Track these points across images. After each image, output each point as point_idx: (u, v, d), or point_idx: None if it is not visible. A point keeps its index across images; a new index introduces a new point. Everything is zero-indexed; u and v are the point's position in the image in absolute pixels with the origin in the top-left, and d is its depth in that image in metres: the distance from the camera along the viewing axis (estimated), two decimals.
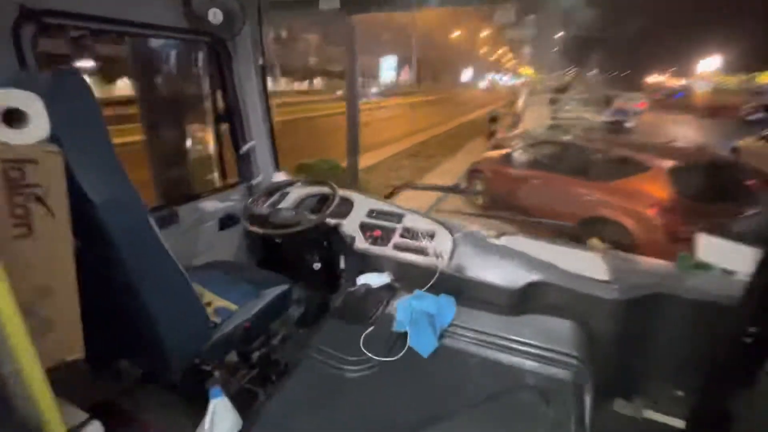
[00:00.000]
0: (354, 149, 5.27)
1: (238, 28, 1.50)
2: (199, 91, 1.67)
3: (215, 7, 1.33)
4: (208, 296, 1.26)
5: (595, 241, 4.16)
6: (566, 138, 5.56)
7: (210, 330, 1.10)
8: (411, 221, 1.56)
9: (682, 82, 27.08)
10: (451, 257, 1.39)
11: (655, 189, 3.72)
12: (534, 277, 1.28)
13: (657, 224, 3.61)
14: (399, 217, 1.58)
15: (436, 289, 1.33)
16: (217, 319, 1.18)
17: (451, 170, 8.29)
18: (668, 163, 3.78)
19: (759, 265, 1.02)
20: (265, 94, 1.81)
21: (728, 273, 1.35)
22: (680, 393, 1.33)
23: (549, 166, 5.07)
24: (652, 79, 30.84)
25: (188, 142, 1.69)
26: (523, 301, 1.28)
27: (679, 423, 1.38)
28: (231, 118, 1.71)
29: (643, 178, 3.86)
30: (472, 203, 5.97)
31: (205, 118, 1.75)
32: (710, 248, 1.42)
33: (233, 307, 1.23)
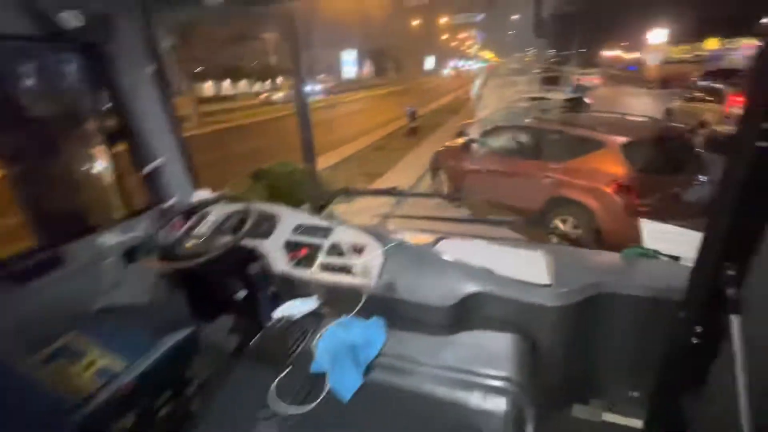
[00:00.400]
0: (309, 150, 5.05)
1: (112, 30, 1.28)
2: (84, 107, 1.44)
3: (71, 7, 1.12)
4: (91, 354, 1.07)
5: (558, 223, 4.16)
6: (524, 120, 5.51)
7: (70, 410, 0.91)
8: (339, 235, 1.40)
9: (636, 55, 27.92)
10: (381, 274, 1.25)
11: (610, 166, 3.70)
12: (470, 288, 1.15)
13: (617, 201, 3.60)
14: (327, 232, 1.42)
15: (366, 312, 1.19)
16: (98, 382, 0.99)
17: (415, 163, 8.18)
18: (622, 139, 3.77)
19: (697, 261, 0.92)
20: (169, 104, 1.60)
21: (674, 259, 1.27)
22: (636, 394, 1.25)
23: (509, 151, 5.03)
24: (607, 54, 31.68)
25: (78, 168, 1.47)
26: (460, 316, 1.15)
27: (638, 423, 1.30)
28: (127, 136, 1.50)
29: (598, 155, 3.84)
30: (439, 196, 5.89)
31: (98, 137, 1.53)
32: (655, 234, 1.34)
33: (121, 364, 1.04)
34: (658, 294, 1.11)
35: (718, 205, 0.88)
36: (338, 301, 1.25)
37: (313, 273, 1.31)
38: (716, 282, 0.89)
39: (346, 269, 1.28)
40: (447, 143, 6.61)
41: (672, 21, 24.90)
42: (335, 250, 1.35)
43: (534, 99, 9.48)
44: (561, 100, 9.26)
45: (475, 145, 5.51)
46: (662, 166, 3.72)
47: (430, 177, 6.48)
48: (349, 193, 2.64)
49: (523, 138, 4.97)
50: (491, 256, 1.29)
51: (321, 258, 1.34)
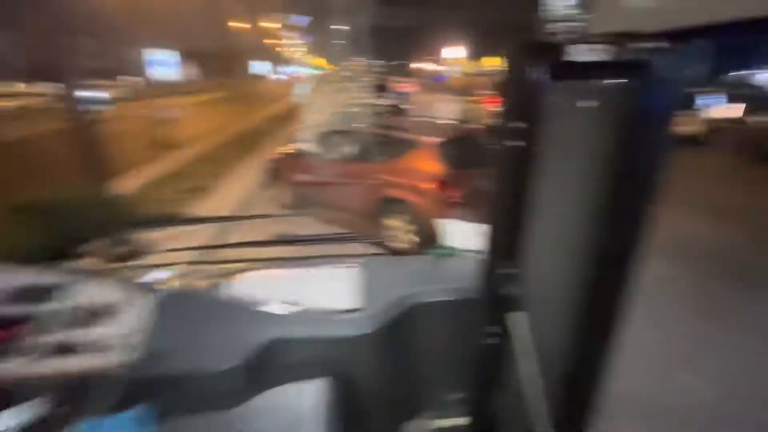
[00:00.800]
0: (100, 169, 3.95)
1: None
2: None
3: None
4: None
5: (393, 222, 4.37)
6: (354, 125, 5.68)
7: None
8: (85, 296, 0.99)
9: (442, 67, 33.02)
10: (145, 341, 0.91)
11: (428, 164, 4.07)
12: (265, 336, 0.94)
13: (436, 196, 3.97)
14: (63, 293, 0.99)
15: (127, 402, 0.84)
16: None
17: (251, 172, 7.58)
18: (436, 139, 4.19)
19: (483, 261, 0.92)
20: None
21: (473, 255, 1.34)
22: (457, 395, 1.26)
23: (343, 156, 5.08)
24: (420, 66, 36.48)
25: None
26: (256, 375, 0.92)
27: (464, 420, 1.33)
28: None
29: (417, 155, 4.19)
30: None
31: None
32: (454, 232, 1.38)
33: None
34: (463, 296, 1.12)
35: (491, 204, 0.90)
36: (82, 396, 0.85)
37: (36, 362, 0.87)
38: (499, 281, 0.91)
39: (91, 346, 0.89)
40: (282, 149, 6.32)
41: (466, 41, 30.51)
42: (75, 319, 0.93)
43: (364, 105, 10.01)
44: (386, 105, 10.07)
45: (310, 151, 5.41)
46: (467, 161, 4.29)
47: (268, 187, 6.07)
48: (151, 224, 2.08)
49: (354, 142, 5.10)
50: (299, 285, 1.11)
51: (50, 336, 0.91)
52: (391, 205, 4.33)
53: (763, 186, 7.33)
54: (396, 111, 8.61)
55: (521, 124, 0.78)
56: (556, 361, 0.97)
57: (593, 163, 0.87)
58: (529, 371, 0.86)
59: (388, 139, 4.68)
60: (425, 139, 4.25)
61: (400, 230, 4.27)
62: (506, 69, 0.80)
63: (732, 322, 3.16)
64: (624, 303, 0.90)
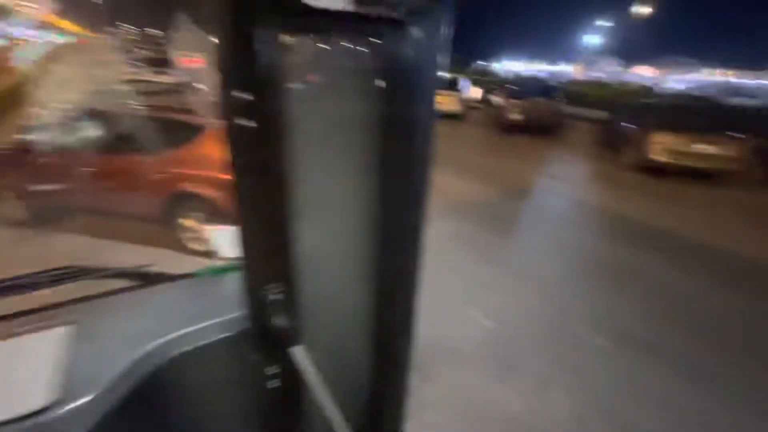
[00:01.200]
0: None
1: None
2: None
3: None
4: None
5: (189, 222, 3.69)
6: (122, 107, 4.46)
7: None
8: None
9: None
10: None
11: (219, 150, 3.54)
12: None
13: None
14: None
15: None
16: None
17: None
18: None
19: (244, 288, 0.69)
20: None
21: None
22: None
23: (108, 146, 3.94)
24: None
25: None
26: None
27: None
28: None
29: (206, 141, 3.60)
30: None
31: None
32: (219, 240, 1.10)
33: None
34: (241, 326, 0.86)
35: (236, 209, 0.67)
36: None
37: None
38: (268, 309, 0.70)
39: None
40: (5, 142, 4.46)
41: None
42: None
43: (139, 82, 8.15)
44: (170, 83, 8.49)
45: (54, 142, 3.98)
46: None
47: None
48: None
49: (124, 128, 4.00)
50: None
51: None
52: (184, 202, 3.63)
53: (505, 150, 9.71)
54: (184, 90, 7.32)
55: (247, 96, 0.56)
56: (355, 380, 0.85)
57: (356, 140, 0.74)
58: (325, 404, 0.69)
59: (173, 124, 3.86)
60: (214, 120, 3.67)
61: (198, 231, 3.64)
62: (221, 17, 0.56)
63: (496, 262, 4.00)
64: (416, 292, 0.82)
